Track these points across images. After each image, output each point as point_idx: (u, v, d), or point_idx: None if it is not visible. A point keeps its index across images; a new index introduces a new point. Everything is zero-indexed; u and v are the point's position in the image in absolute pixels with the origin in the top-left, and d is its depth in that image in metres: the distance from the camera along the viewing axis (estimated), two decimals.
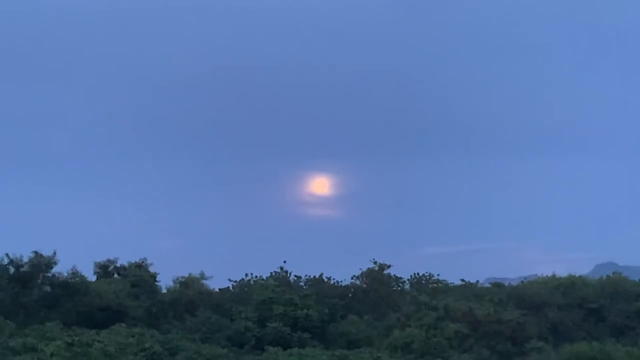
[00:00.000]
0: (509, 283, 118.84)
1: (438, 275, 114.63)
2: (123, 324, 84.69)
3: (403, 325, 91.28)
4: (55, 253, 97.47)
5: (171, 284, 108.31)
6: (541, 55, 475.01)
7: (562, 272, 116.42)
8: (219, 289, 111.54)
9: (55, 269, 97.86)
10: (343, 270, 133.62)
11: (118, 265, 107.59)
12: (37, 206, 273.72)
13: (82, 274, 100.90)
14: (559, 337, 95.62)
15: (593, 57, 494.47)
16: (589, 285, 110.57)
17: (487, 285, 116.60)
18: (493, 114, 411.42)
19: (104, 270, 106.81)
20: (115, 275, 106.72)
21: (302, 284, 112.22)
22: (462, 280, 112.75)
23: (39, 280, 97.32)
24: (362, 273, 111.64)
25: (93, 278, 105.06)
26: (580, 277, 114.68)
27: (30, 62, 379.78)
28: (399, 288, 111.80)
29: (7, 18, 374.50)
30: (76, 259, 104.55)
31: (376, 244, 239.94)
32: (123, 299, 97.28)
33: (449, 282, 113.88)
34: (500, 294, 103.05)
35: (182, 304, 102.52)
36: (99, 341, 72.44)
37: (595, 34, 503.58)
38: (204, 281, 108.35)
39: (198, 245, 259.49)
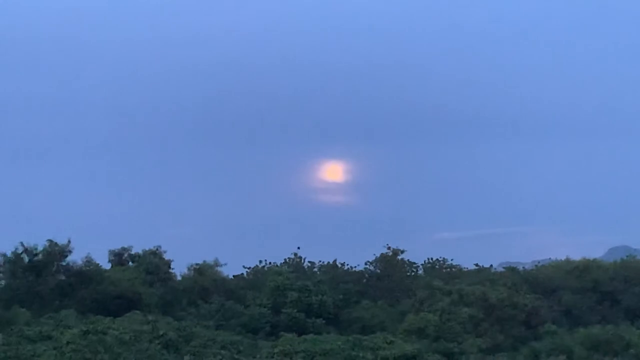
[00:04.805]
0: (523, 267, 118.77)
1: (452, 260, 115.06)
2: (138, 311, 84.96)
3: (417, 310, 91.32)
4: (69, 242, 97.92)
5: (185, 271, 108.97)
6: (549, 41, 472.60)
7: (575, 255, 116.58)
8: (233, 276, 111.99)
9: (69, 258, 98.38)
10: (357, 256, 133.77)
11: (132, 253, 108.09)
12: (51, 196, 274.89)
13: (97, 262, 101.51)
14: (573, 321, 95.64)
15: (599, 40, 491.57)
16: (602, 268, 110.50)
17: (501, 269, 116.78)
18: (504, 98, 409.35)
19: (119, 258, 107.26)
20: (130, 263, 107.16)
21: (316, 270, 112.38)
22: (476, 264, 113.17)
23: (54, 269, 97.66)
24: (376, 258, 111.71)
25: (108, 266, 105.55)
26: (594, 260, 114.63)
27: (44, 53, 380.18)
28: (412, 273, 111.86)
29: (24, 11, 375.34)
30: (90, 247, 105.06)
31: (390, 230, 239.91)
32: (138, 286, 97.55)
33: (463, 266, 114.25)
34: (514, 278, 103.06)
35: (196, 291, 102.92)
36: (114, 329, 72.69)
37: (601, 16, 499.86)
38: (218, 268, 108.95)
39: (212, 233, 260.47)
